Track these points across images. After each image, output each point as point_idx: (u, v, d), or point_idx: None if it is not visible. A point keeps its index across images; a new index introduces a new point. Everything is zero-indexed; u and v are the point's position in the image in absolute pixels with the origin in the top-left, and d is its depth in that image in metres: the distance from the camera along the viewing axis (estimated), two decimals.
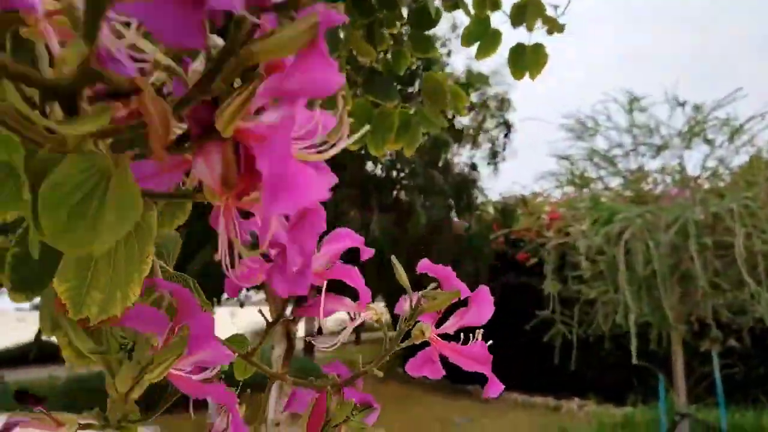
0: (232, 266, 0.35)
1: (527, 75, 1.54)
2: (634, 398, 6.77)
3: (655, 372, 5.00)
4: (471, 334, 0.52)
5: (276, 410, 8.16)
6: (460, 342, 0.51)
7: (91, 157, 0.26)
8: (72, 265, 0.33)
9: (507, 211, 8.48)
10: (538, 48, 1.52)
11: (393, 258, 0.53)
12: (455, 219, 8.81)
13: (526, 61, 1.51)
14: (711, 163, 4.34)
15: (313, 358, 14.30)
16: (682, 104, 4.42)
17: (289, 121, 0.26)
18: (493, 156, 11.36)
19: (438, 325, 0.52)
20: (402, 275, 0.51)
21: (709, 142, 4.31)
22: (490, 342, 0.52)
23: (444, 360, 0.53)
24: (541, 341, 4.87)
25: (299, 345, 14.04)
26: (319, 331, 22.67)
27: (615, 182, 4.77)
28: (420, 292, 0.51)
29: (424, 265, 0.53)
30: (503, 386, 0.51)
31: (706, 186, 4.36)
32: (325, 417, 0.49)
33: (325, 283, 0.50)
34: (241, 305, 13.86)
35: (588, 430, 5.28)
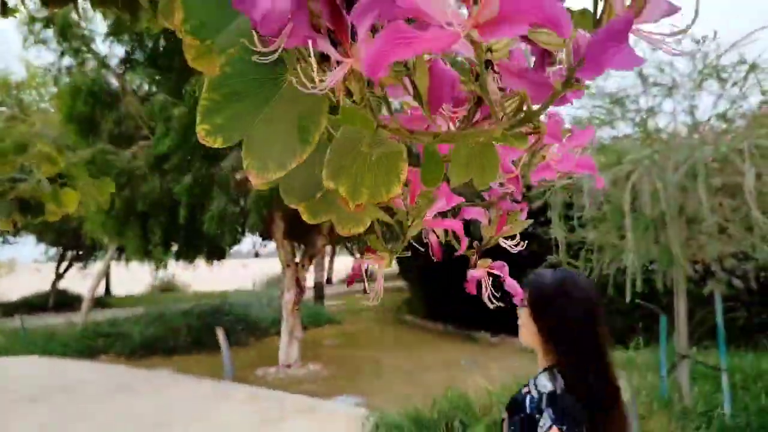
0: None
1: None
2: (637, 343, 6.92)
3: (658, 317, 5.09)
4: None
5: (288, 353, 8.43)
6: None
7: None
8: (346, 175, 0.54)
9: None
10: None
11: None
12: None
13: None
14: (723, 105, 4.22)
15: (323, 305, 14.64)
16: (698, 41, 4.26)
17: None
18: None
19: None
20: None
21: (722, 81, 4.17)
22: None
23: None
24: None
25: (310, 294, 14.40)
26: (329, 280, 23.15)
27: (623, 126, 4.67)
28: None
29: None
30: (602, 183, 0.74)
31: (718, 128, 4.26)
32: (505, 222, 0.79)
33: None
34: (257, 254, 14.13)
35: None
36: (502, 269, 0.79)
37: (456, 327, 11.18)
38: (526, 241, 0.80)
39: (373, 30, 0.42)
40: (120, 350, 9.92)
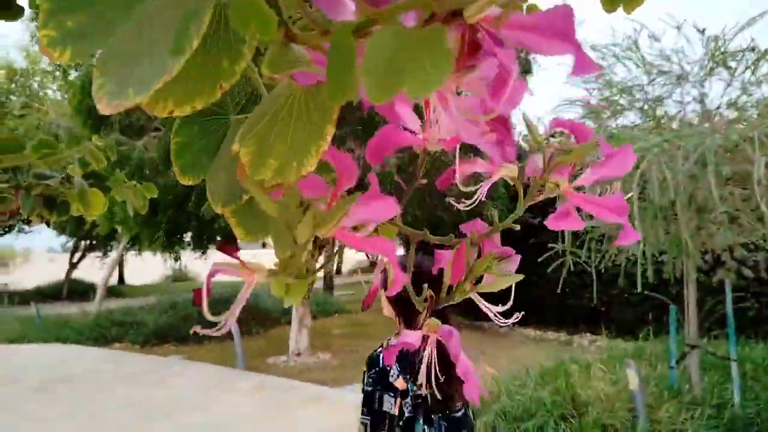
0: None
1: (620, 8, 1.36)
2: (646, 333, 6.92)
3: (667, 308, 5.08)
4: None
5: (297, 342, 8.50)
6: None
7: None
8: (254, 134, 0.39)
9: (523, 152, 8.38)
10: None
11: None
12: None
13: None
14: (733, 94, 4.17)
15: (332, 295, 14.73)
16: (702, 31, 4.21)
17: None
18: None
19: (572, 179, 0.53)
20: (534, 131, 0.52)
21: (730, 69, 4.12)
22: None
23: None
24: (556, 279, 4.93)
25: (319, 283, 14.48)
26: (338, 270, 23.22)
27: (632, 116, 4.63)
28: (553, 148, 0.51)
29: (556, 121, 0.52)
30: (638, 237, 0.52)
31: (728, 117, 4.22)
32: (465, 267, 0.54)
33: (458, 146, 0.50)
34: (264, 245, 14.24)
35: (599, 359, 5.45)
36: (449, 338, 0.56)
37: (464, 317, 11.21)
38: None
39: None
40: (133, 338, 10.07)
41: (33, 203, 1.40)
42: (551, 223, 0.52)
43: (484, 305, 0.57)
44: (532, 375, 5.23)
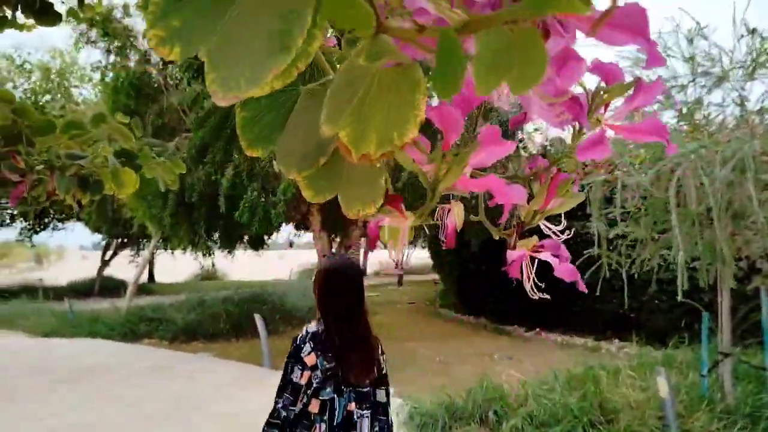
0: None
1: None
2: (677, 341, 6.75)
3: (699, 314, 4.95)
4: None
5: None
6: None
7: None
8: (347, 116, 0.42)
9: (550, 153, 8.27)
10: None
11: None
12: None
13: None
14: None
15: None
16: (752, 31, 4.07)
17: None
18: None
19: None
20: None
21: None
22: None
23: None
24: (587, 284, 4.83)
25: None
26: (363, 272, 23.24)
27: (668, 115, 4.50)
28: (593, 89, 0.57)
29: (595, 63, 0.56)
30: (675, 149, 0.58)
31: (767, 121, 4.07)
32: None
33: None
34: (291, 245, 14.42)
35: (628, 366, 5.34)
36: (558, 250, 0.62)
37: (490, 320, 11.11)
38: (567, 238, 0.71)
39: None
40: (162, 335, 10.27)
41: (68, 183, 1.45)
42: (581, 153, 0.55)
43: (546, 226, 0.65)
44: (559, 380, 5.16)
